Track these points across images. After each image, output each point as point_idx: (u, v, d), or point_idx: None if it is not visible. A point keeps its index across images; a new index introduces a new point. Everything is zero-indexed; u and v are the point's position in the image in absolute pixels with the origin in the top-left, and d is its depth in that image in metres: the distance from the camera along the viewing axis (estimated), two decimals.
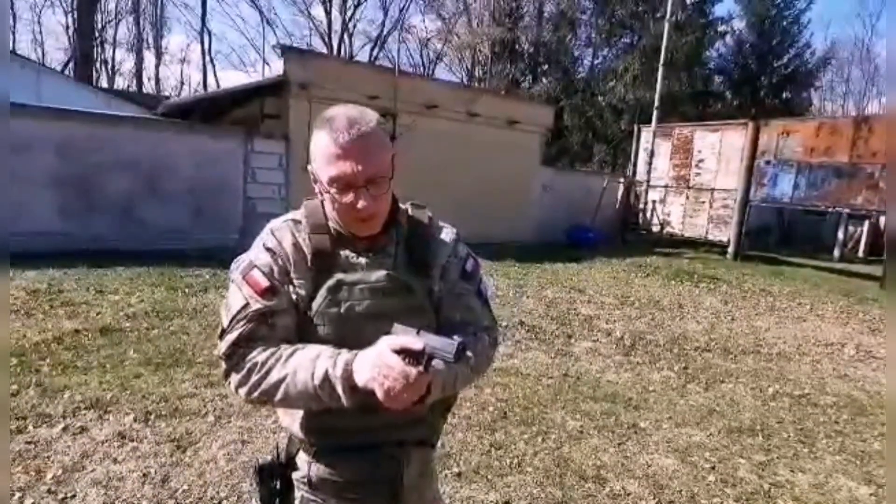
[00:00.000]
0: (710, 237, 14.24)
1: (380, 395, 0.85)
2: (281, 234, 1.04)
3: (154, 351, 4.04)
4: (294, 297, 1.00)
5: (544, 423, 3.39)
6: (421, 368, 0.85)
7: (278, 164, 9.28)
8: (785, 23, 24.05)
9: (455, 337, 0.87)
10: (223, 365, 0.98)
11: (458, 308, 1.10)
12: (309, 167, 1.02)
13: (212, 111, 10.83)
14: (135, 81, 28.85)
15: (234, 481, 2.51)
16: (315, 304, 0.99)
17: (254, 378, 0.94)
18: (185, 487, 2.44)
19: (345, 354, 0.91)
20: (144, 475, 2.49)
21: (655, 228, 15.45)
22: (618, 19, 22.91)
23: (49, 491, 2.32)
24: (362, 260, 1.04)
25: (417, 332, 0.87)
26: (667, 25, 14.49)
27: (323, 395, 0.90)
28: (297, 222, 1.06)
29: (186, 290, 5.92)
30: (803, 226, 18.08)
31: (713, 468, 3.00)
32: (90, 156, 7.68)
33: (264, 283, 0.98)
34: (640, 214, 15.51)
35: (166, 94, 26.64)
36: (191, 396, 3.34)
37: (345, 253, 1.04)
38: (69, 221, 7.52)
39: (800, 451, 3.32)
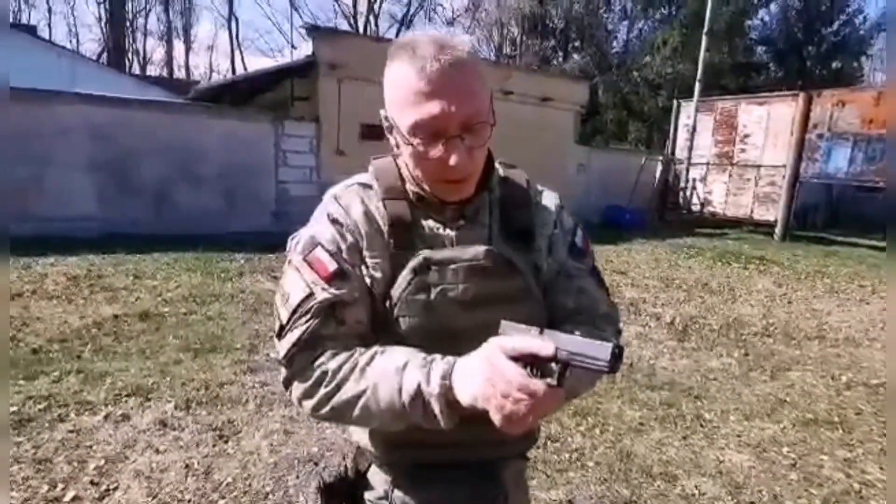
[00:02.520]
0: (756, 217, 13.50)
1: (496, 419, 0.63)
2: (348, 200, 0.83)
3: (193, 336, 3.97)
4: (368, 280, 0.79)
5: (600, 415, 3.17)
6: (552, 381, 0.61)
7: (309, 146, 9.17)
8: None
9: (606, 340, 0.62)
10: (283, 371, 0.77)
11: (569, 292, 0.86)
12: (381, 112, 0.80)
13: (242, 95, 10.77)
14: (165, 70, 29.27)
15: (279, 474, 2.38)
16: (396, 290, 0.78)
17: (322, 391, 0.73)
18: (229, 480, 2.32)
19: (439, 364, 0.69)
20: (187, 466, 2.39)
21: (696, 208, 14.78)
22: None
23: (92, 482, 2.24)
24: (450, 232, 0.81)
25: (541, 332, 0.64)
26: None
27: (414, 415, 0.69)
28: (365, 186, 0.84)
29: (222, 275, 5.87)
30: (853, 204, 17.03)
31: (794, 465, 2.73)
32: (125, 141, 7.71)
33: (331, 265, 0.77)
34: (680, 194, 14.86)
35: (196, 80, 26.89)
36: (231, 383, 3.25)
37: (428, 223, 0.82)
38: (106, 207, 7.60)
39: (886, 446, 3.01)
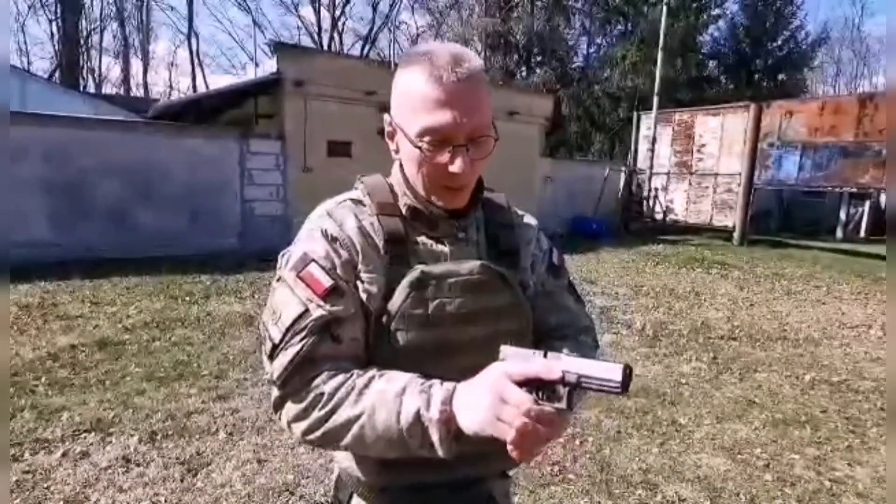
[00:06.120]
0: (715, 223, 14.03)
1: (509, 448, 0.62)
2: (341, 216, 0.81)
3: (156, 364, 3.80)
4: (364, 295, 0.77)
5: (578, 425, 3.17)
6: (562, 405, 0.60)
7: (275, 164, 9.03)
8: (778, 3, 23.82)
9: (618, 360, 0.63)
10: (275, 392, 0.74)
11: (551, 310, 0.90)
12: (385, 117, 0.81)
13: (204, 113, 10.53)
14: (122, 88, 28.39)
15: None
16: (393, 304, 0.76)
17: (316, 414, 0.71)
18: None
19: (438, 390, 0.67)
20: None
21: (658, 216, 15.24)
22: (612, 6, 22.64)
23: None
24: (445, 248, 0.82)
25: (545, 355, 0.63)
26: (665, 10, 14.22)
27: (412, 442, 0.67)
28: (357, 202, 0.84)
29: (187, 299, 5.67)
30: (802, 208, 17.93)
31: (767, 466, 2.79)
32: (79, 162, 7.41)
33: (327, 281, 0.75)
34: (644, 203, 15.29)
35: (155, 98, 26.17)
36: (199, 412, 3.11)
37: (422, 239, 0.82)
38: (60, 231, 7.25)
39: (852, 442, 3.12)
